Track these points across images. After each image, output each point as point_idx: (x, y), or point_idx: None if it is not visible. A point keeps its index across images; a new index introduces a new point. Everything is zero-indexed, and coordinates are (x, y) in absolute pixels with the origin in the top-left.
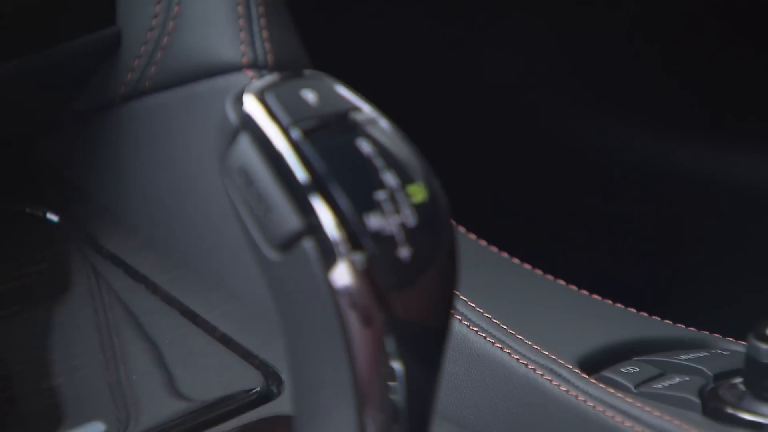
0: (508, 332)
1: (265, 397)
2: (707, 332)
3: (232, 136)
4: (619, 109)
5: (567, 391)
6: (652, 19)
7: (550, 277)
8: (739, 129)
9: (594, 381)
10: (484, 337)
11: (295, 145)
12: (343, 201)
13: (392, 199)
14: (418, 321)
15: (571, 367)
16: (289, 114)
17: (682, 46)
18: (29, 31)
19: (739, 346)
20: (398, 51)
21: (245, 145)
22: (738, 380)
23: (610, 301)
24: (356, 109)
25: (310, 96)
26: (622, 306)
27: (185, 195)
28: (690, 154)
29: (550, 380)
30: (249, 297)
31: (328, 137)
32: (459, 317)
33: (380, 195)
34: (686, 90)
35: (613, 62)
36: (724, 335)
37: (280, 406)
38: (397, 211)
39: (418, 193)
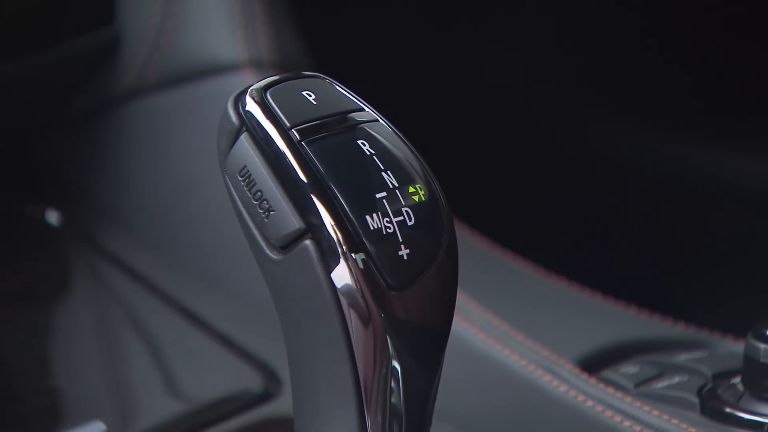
0: (508, 332)
1: (265, 397)
2: (706, 332)
3: (233, 137)
4: (625, 110)
5: (567, 391)
6: (656, 20)
7: (550, 277)
8: (741, 130)
9: (594, 381)
10: (484, 338)
11: (295, 146)
12: (343, 201)
13: (392, 199)
14: (418, 321)
15: (571, 367)
16: (289, 115)
17: (687, 47)
18: (29, 31)
19: (738, 346)
20: (399, 51)
21: (246, 146)
22: (736, 380)
23: (610, 301)
24: (356, 109)
25: (310, 96)
26: (622, 306)
27: (185, 195)
28: (691, 154)
29: (550, 380)
30: (249, 297)
31: (328, 138)
32: (459, 317)
33: (380, 195)
34: (691, 92)
35: (618, 63)
36: (724, 335)
37: (280, 406)
38: (397, 211)
39: (417, 192)
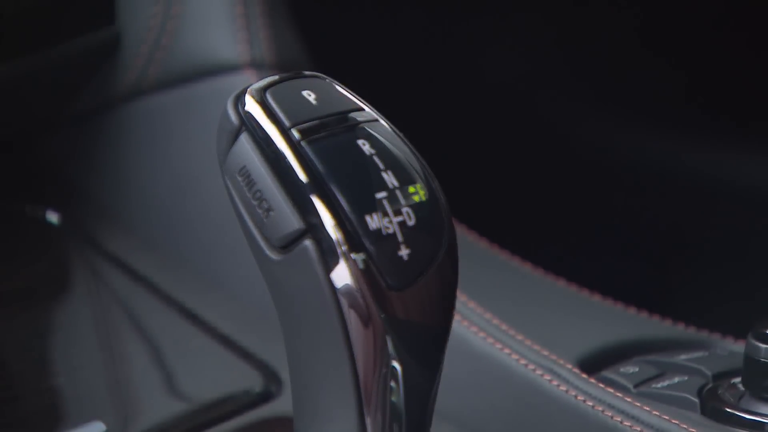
0: (508, 332)
1: (265, 397)
2: (707, 332)
3: (233, 137)
4: (623, 110)
5: (567, 391)
6: (655, 19)
7: (550, 277)
8: (741, 130)
9: (594, 381)
10: (484, 337)
11: (295, 146)
12: (343, 201)
13: (392, 199)
14: (418, 321)
15: (571, 367)
16: (289, 114)
17: (686, 47)
18: (29, 31)
19: (738, 346)
20: (399, 51)
21: (246, 146)
22: (737, 380)
23: (610, 301)
24: (356, 109)
25: (310, 96)
26: (622, 306)
27: (185, 195)
28: (691, 154)
29: (550, 380)
30: (249, 297)
31: (328, 137)
32: (459, 317)
33: (380, 195)
34: (689, 91)
35: (617, 63)
36: (724, 335)
37: (280, 406)
38: (397, 210)
39: (417, 192)
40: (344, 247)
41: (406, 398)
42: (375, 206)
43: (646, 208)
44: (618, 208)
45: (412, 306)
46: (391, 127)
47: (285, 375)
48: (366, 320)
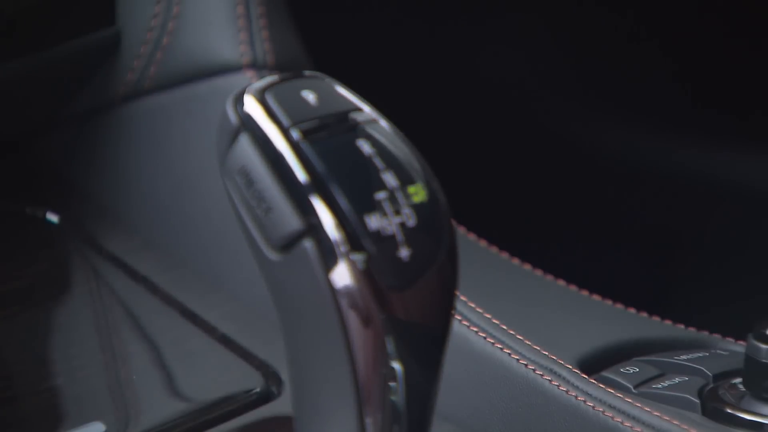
0: (508, 332)
1: (265, 397)
2: (707, 332)
3: (232, 137)
4: (620, 109)
5: (567, 391)
6: (653, 18)
7: (550, 277)
8: (740, 129)
9: (594, 381)
10: (484, 337)
11: (295, 146)
12: (343, 201)
13: (392, 199)
14: (418, 321)
15: (571, 367)
16: (289, 114)
17: (683, 45)
18: (29, 31)
19: (739, 346)
20: (398, 51)
21: (245, 146)
22: (737, 380)
23: (610, 301)
24: (356, 109)
25: (310, 96)
26: (622, 306)
27: (185, 195)
28: (690, 154)
29: (550, 380)
30: (249, 297)
31: (328, 138)
32: (459, 317)
33: (380, 195)
34: (687, 90)
35: (614, 62)
36: (724, 335)
37: (280, 406)
38: (397, 211)
39: (417, 193)
40: (344, 248)
41: (406, 398)
42: (375, 207)
43: (646, 208)
44: (618, 207)
45: (412, 306)
46: (391, 127)
47: (285, 375)
48: (366, 320)
